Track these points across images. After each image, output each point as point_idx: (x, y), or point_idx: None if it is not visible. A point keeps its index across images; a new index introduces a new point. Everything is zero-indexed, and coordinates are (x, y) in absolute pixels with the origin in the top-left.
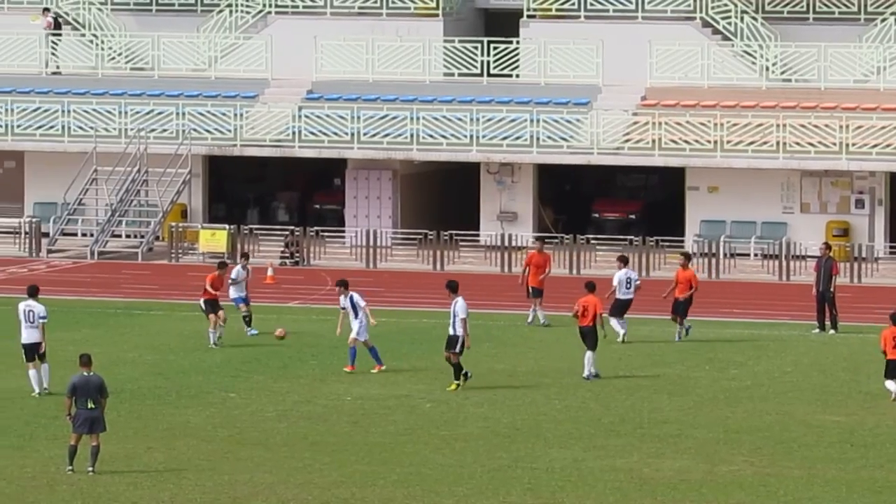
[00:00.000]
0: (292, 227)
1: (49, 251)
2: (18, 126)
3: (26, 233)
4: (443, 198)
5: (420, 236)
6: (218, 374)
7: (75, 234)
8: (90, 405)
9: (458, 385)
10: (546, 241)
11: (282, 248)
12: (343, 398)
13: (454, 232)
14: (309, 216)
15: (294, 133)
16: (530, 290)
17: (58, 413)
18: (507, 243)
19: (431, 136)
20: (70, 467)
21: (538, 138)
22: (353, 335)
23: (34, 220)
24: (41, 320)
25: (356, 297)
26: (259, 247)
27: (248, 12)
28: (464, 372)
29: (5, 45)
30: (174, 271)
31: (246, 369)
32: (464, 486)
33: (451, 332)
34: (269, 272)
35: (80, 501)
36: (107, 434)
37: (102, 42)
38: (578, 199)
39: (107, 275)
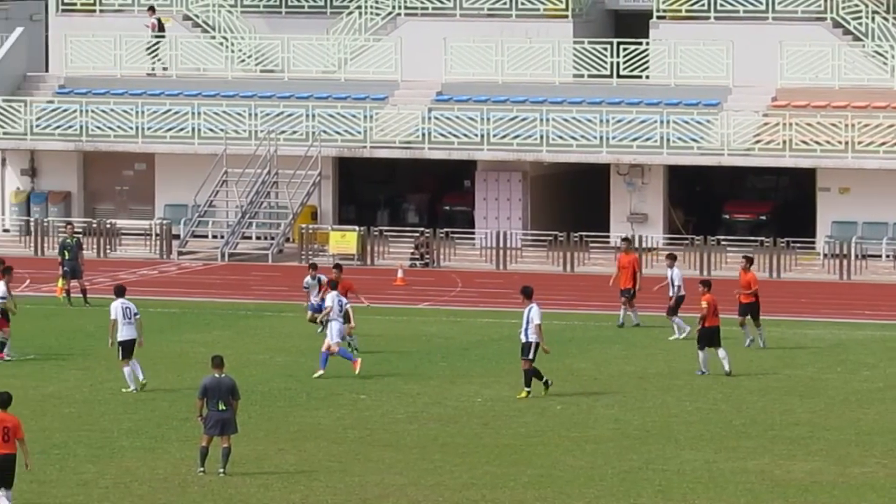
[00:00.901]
0: (422, 229)
1: (180, 253)
2: (149, 128)
3: (157, 235)
4: (572, 199)
5: (550, 238)
6: (348, 376)
7: (206, 236)
8: (221, 407)
9: (529, 393)
10: (676, 242)
11: (412, 250)
12: (473, 400)
13: (584, 234)
14: (438, 218)
15: (424, 135)
16: (621, 291)
17: (189, 415)
18: (637, 245)
19: (561, 137)
20: (201, 469)
21: (668, 140)
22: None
23: (165, 222)
24: (137, 316)
25: (343, 299)
26: (389, 248)
27: (377, 14)
28: (544, 380)
29: (137, 48)
30: (304, 273)
31: (376, 371)
32: (594, 488)
33: (523, 339)
34: (399, 274)
35: (211, 502)
36: (238, 436)
37: (233, 44)
38: (709, 200)
39: (237, 276)
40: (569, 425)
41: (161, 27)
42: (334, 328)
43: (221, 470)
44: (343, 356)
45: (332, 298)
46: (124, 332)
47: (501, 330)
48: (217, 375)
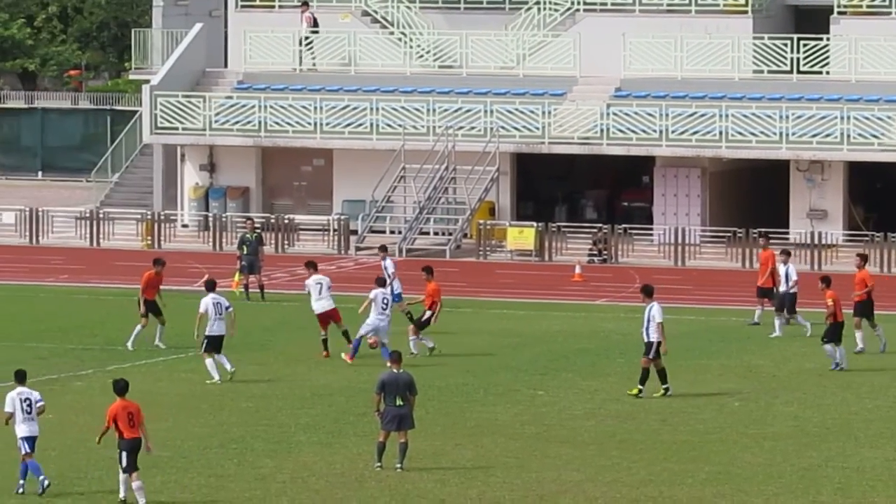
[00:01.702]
0: (600, 225)
1: (357, 248)
2: (327, 124)
3: (335, 230)
4: (751, 196)
5: (728, 234)
6: (526, 372)
7: (383, 232)
8: (399, 402)
9: (641, 390)
10: (856, 238)
11: (589, 246)
12: (651, 396)
13: (763, 230)
14: (616, 214)
15: (602, 131)
16: (758, 289)
17: (366, 410)
18: (816, 241)
19: (740, 133)
20: (378, 464)
21: (849, 136)
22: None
23: (343, 217)
24: (228, 310)
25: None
26: (566, 245)
27: (556, 10)
28: (664, 386)
29: (316, 43)
30: (482, 269)
31: (554, 367)
32: (773, 485)
33: (644, 338)
34: (577, 270)
35: (388, 498)
36: (415, 431)
37: (411, 40)
38: (889, 196)
39: (415, 272)
40: (747, 422)
41: (315, 23)
42: (371, 322)
43: (399, 465)
44: (353, 346)
45: (374, 294)
46: (214, 328)
47: (678, 326)
48: (395, 371)
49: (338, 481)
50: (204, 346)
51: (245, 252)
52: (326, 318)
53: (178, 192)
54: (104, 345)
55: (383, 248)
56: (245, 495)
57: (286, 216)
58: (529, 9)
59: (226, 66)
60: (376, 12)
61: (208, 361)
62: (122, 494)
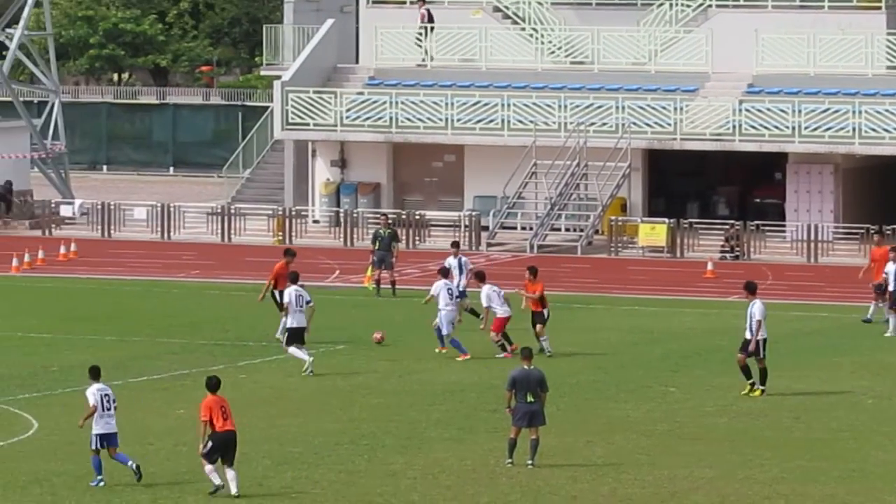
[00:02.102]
0: (732, 222)
1: (489, 244)
2: (458, 120)
3: (466, 226)
4: (885, 192)
5: (861, 231)
6: (658, 369)
7: (514, 228)
8: (530, 399)
9: (753, 384)
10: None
11: (721, 243)
12: (784, 394)
13: (882, 226)
14: (749, 210)
15: (734, 127)
16: (873, 285)
17: (497, 406)
18: None
19: (874, 129)
20: (510, 460)
21: None
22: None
23: (474, 213)
24: (309, 304)
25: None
26: (698, 241)
27: (688, 6)
28: (759, 382)
29: (447, 39)
30: (614, 265)
31: (686, 364)
32: None
33: (747, 335)
34: (709, 266)
35: (519, 494)
36: (546, 427)
37: (542, 36)
38: None
39: (546, 268)
40: (881, 420)
41: (430, 18)
42: (444, 316)
43: (530, 461)
44: (454, 346)
45: (436, 287)
46: (294, 320)
47: (811, 323)
48: (526, 367)
49: (469, 477)
50: (286, 339)
51: (377, 247)
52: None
53: (309, 188)
54: (235, 340)
55: (455, 245)
56: (376, 491)
57: (417, 212)
58: (661, 5)
59: (357, 61)
60: (507, 8)
61: (292, 349)
62: (217, 481)
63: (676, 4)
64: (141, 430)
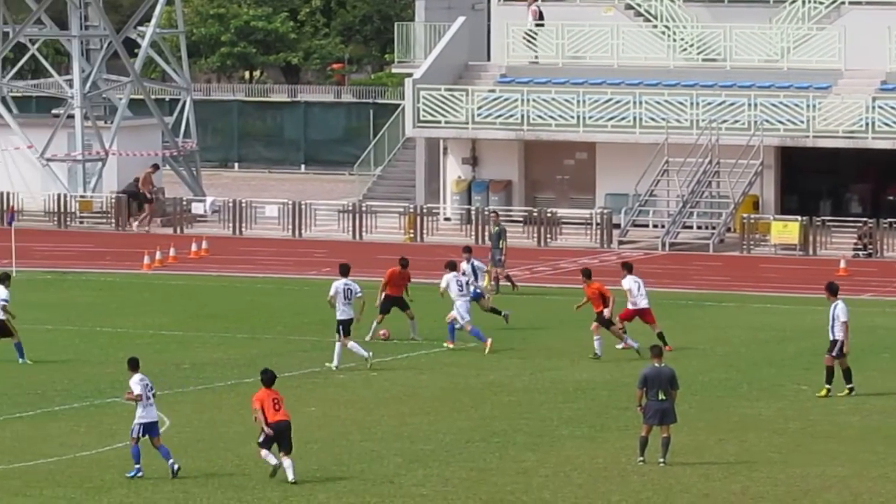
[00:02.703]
0: (865, 219)
1: (620, 242)
2: (590, 117)
3: (597, 224)
4: None
5: None
6: (790, 367)
7: (646, 226)
8: (661, 397)
9: (829, 390)
10: None
11: (854, 241)
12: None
13: None
14: (882, 208)
15: (867, 124)
16: None
17: (628, 404)
18: None
19: None
20: (641, 458)
21: None
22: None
23: (605, 210)
24: (358, 295)
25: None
26: (831, 239)
27: (821, 3)
28: (849, 386)
29: (578, 37)
30: (746, 263)
31: (819, 362)
32: None
33: (831, 336)
34: (842, 264)
35: (651, 492)
36: (677, 425)
37: (674, 33)
38: None
39: (678, 266)
40: None
41: (541, 16)
42: (460, 306)
43: (662, 460)
44: (474, 335)
45: (446, 280)
46: (342, 312)
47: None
48: (657, 365)
49: (600, 476)
50: (340, 331)
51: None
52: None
53: (440, 186)
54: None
55: (467, 250)
56: (507, 489)
57: (548, 210)
58: (794, 2)
59: (488, 59)
60: (639, 5)
61: (341, 344)
62: (273, 461)
63: (809, 2)
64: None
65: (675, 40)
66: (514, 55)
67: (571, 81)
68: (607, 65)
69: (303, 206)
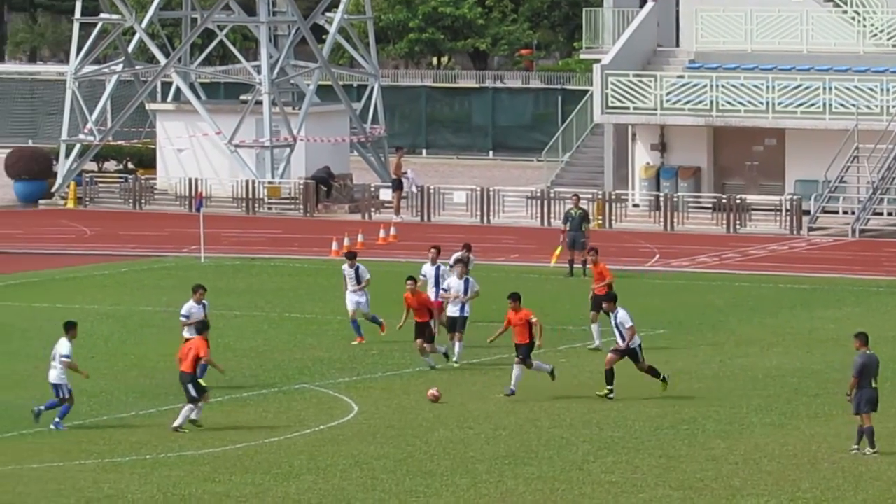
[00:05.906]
0: None
1: (810, 229)
2: (779, 104)
3: (787, 210)
4: None
5: None
6: None
7: (836, 212)
8: (874, 384)
9: None
10: None
11: None
12: None
13: None
14: None
15: None
16: None
17: (819, 391)
18: None
19: None
20: (856, 447)
21: None
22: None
23: (795, 197)
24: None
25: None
26: None
27: None
28: None
29: (766, 23)
30: None
31: None
32: None
33: None
34: None
35: (841, 479)
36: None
37: (864, 19)
38: None
39: (869, 253)
40: None
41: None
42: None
43: (863, 449)
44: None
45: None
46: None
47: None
48: (868, 353)
49: (790, 463)
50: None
51: (568, 228)
52: None
53: (629, 172)
54: (554, 324)
55: (467, 247)
56: (696, 476)
57: (738, 196)
58: None
59: (677, 45)
60: None
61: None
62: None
63: None
64: (461, 414)
65: (864, 26)
66: (703, 41)
67: (760, 67)
68: (797, 50)
69: (491, 193)
